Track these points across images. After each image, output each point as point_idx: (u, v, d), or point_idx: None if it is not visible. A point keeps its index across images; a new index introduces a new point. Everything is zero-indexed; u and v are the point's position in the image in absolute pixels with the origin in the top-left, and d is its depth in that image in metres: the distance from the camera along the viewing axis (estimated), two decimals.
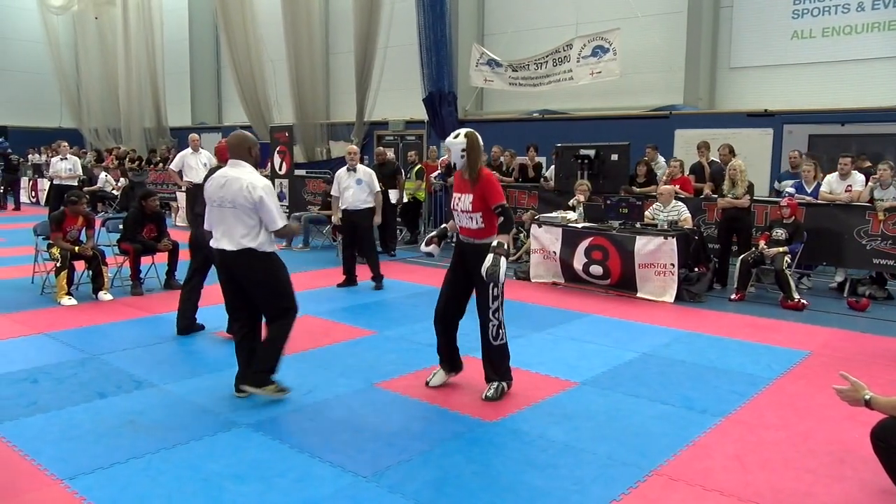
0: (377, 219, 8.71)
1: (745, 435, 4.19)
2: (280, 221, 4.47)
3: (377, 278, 8.59)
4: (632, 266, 8.13)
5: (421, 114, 15.97)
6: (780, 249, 7.98)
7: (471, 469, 3.67)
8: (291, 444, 3.95)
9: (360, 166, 8.70)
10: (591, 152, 10.17)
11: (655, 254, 7.99)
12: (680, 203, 8.79)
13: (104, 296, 7.60)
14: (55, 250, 7.55)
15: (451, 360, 5.02)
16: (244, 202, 4.35)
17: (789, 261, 7.96)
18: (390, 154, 12.59)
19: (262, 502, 3.30)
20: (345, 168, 8.67)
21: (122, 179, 16.75)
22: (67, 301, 7.36)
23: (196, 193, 10.84)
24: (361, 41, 16.14)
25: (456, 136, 4.67)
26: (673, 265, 7.89)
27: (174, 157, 12.22)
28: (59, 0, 24.12)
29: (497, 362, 4.79)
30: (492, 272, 4.43)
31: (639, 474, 3.64)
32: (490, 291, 4.66)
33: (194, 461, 3.72)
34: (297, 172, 14.55)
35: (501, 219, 4.57)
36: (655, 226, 8.46)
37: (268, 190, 4.43)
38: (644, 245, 8.06)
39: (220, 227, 4.49)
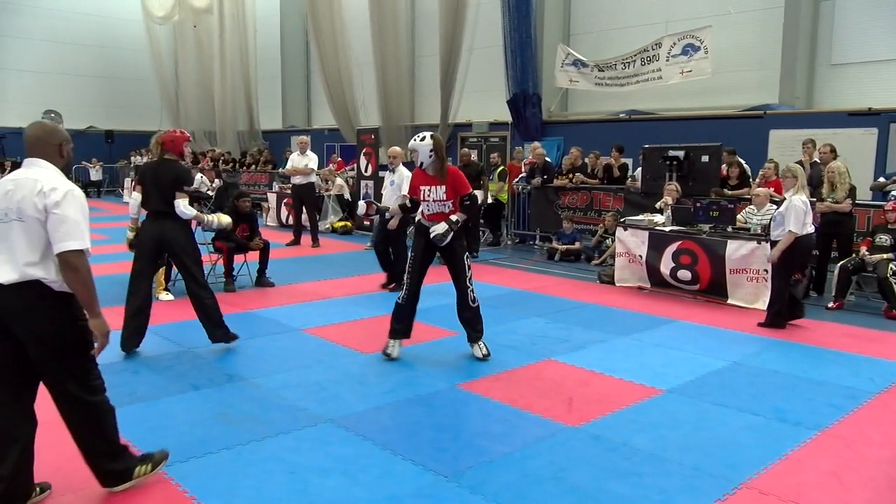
0: (393, 222, 8.18)
1: (843, 451, 3.98)
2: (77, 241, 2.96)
3: (397, 278, 8.22)
4: (722, 271, 7.86)
5: (505, 115, 15.94)
6: (885, 256, 7.54)
7: (551, 473, 3.64)
8: (374, 441, 4.02)
9: (400, 168, 8.52)
10: (681, 153, 9.89)
11: (748, 259, 7.69)
12: (775, 206, 8.42)
13: (165, 296, 7.87)
14: None
15: (409, 330, 5.73)
16: (34, 211, 2.95)
17: (895, 268, 7.51)
18: (474, 156, 12.59)
19: (345, 496, 3.38)
20: (388, 170, 8.67)
21: (216, 180, 17.44)
22: (165, 296, 7.72)
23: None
24: (446, 43, 16.26)
25: (423, 139, 5.45)
26: (766, 271, 7.57)
27: (277, 158, 12.76)
28: (161, 10, 25.39)
29: (477, 322, 5.61)
30: (438, 232, 5.37)
31: (727, 486, 3.52)
32: (465, 263, 5.53)
33: (281, 454, 3.84)
34: (382, 174, 14.77)
35: (468, 202, 5.48)
36: (748, 230, 8.15)
37: (72, 199, 3.00)
38: (736, 250, 7.77)
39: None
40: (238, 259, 8.56)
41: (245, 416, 4.37)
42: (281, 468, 3.66)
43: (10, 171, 17.92)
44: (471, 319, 5.60)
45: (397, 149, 8.91)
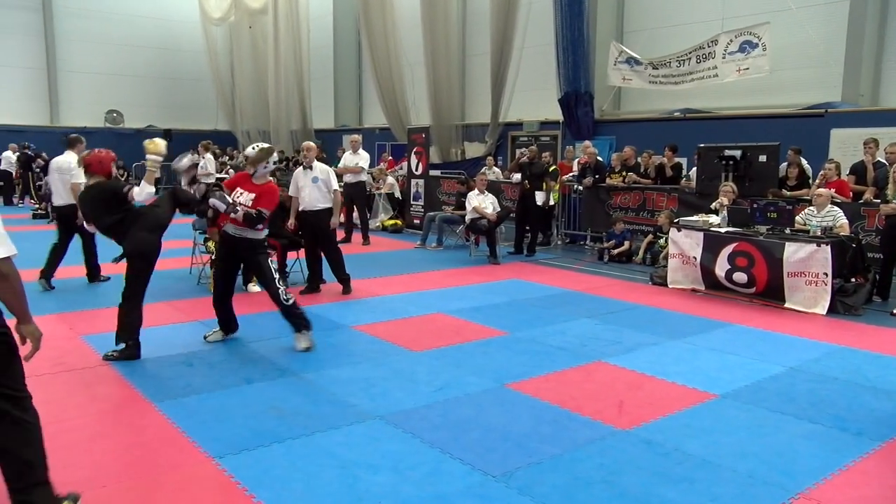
0: (335, 220, 8.00)
1: None
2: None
3: (344, 281, 8.11)
4: (780, 274, 7.65)
5: (556, 114, 15.82)
6: None
7: (601, 477, 3.59)
8: (423, 438, 4.03)
9: (317, 163, 8.09)
10: (737, 153, 9.66)
11: (807, 262, 7.47)
12: (836, 208, 8.17)
13: (253, 287, 8.08)
14: (211, 244, 8.12)
15: (227, 323, 6.06)
16: None
17: None
18: (546, 156, 12.32)
19: (394, 493, 3.39)
20: (300, 167, 8.17)
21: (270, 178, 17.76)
22: (253, 288, 7.87)
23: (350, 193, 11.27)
24: (498, 42, 16.22)
25: (254, 149, 5.86)
26: (826, 274, 7.34)
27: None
28: (218, 12, 25.97)
29: (293, 318, 5.76)
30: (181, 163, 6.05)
31: (783, 496, 3.42)
32: (266, 267, 5.76)
33: (332, 448, 3.88)
34: (432, 173, 14.84)
35: (256, 215, 5.64)
36: (807, 232, 7.91)
37: None
38: (794, 252, 7.55)
39: None
40: (291, 256, 8.68)
41: (296, 411, 4.44)
42: (331, 463, 3.70)
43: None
44: (287, 316, 5.78)
45: (310, 143, 8.62)
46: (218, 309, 6.03)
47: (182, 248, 9.26)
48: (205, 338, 6.03)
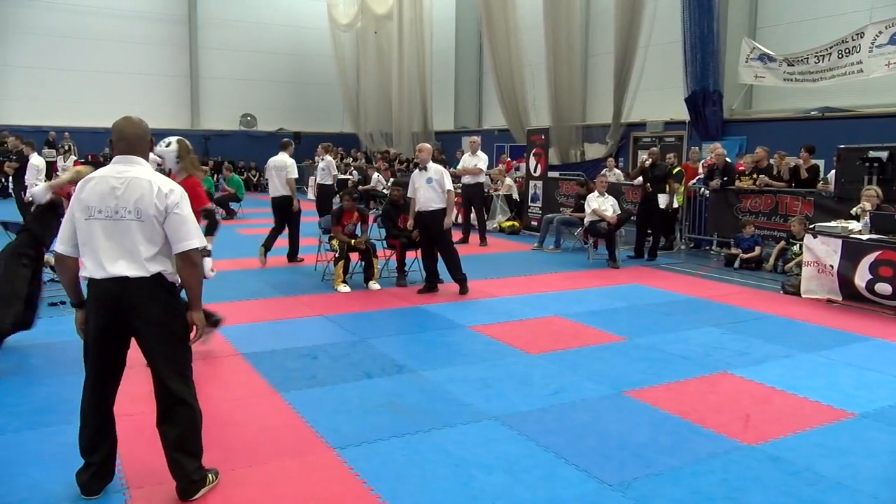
0: (448, 220, 8.06)
1: None
2: (197, 240, 3.24)
3: (460, 281, 8.12)
4: None
5: (681, 114, 15.27)
6: None
7: (724, 493, 3.44)
8: (538, 441, 4.01)
9: (431, 164, 8.24)
10: (884, 154, 8.95)
11: None
12: None
13: (373, 285, 8.33)
14: (335, 242, 8.45)
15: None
16: (154, 212, 3.13)
17: None
18: (671, 157, 11.90)
19: (508, 494, 3.40)
20: (417, 169, 8.29)
21: (391, 179, 18.22)
22: (343, 288, 8.19)
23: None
24: (621, 41, 15.86)
25: (168, 145, 5.24)
26: None
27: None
28: (346, 18, 26.91)
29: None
30: None
31: None
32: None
33: (447, 446, 3.94)
34: (551, 174, 14.71)
35: (206, 221, 5.28)
36: None
37: (185, 197, 3.26)
38: None
39: (109, 246, 3.14)
40: (410, 255, 8.87)
41: (413, 407, 4.53)
42: (446, 460, 3.76)
43: (210, 170, 19.37)
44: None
45: (425, 144, 8.61)
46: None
47: (308, 246, 9.69)
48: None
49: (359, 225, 8.61)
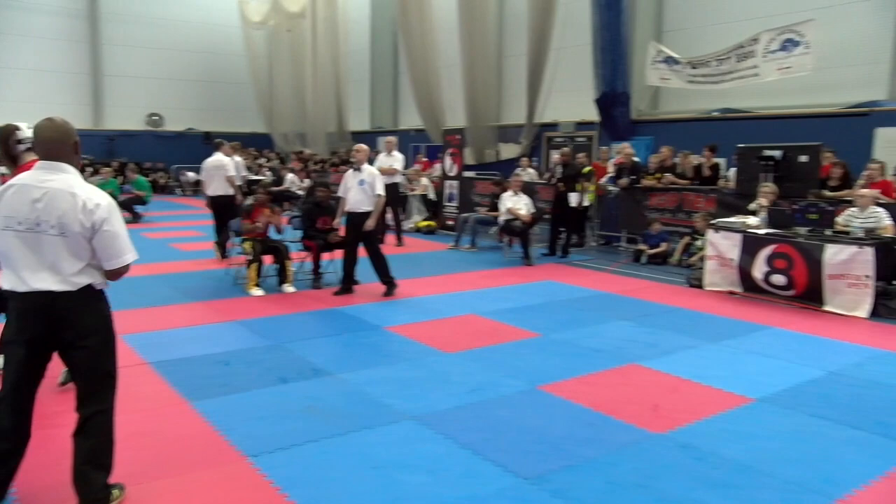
0: (370, 222, 7.94)
1: None
2: (131, 253, 3.12)
3: (388, 284, 8.06)
4: (819, 276, 7.48)
5: (592, 115, 15.68)
6: None
7: (638, 481, 3.56)
8: (457, 440, 4.03)
9: (366, 166, 8.20)
10: (778, 153, 9.47)
11: (848, 264, 7.29)
12: (880, 209, 7.96)
13: (288, 288, 8.17)
14: (247, 245, 8.23)
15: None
16: (79, 228, 2.94)
17: None
18: (581, 157, 12.23)
19: (429, 494, 3.40)
20: (351, 169, 8.23)
21: (306, 180, 17.95)
22: (256, 291, 7.99)
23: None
24: (534, 43, 16.14)
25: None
26: (868, 277, 7.16)
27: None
28: (258, 16, 26.29)
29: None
30: None
31: (826, 501, 3.35)
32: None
33: (366, 449, 3.90)
34: (467, 174, 14.84)
35: None
36: (848, 233, 7.73)
37: (114, 209, 3.06)
38: (835, 254, 7.38)
39: (31, 260, 2.95)
40: (325, 257, 8.75)
41: (331, 410, 4.47)
42: (365, 463, 3.72)
43: (113, 172, 18.47)
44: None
45: (361, 145, 8.48)
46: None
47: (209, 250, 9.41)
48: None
49: (271, 226, 8.49)
